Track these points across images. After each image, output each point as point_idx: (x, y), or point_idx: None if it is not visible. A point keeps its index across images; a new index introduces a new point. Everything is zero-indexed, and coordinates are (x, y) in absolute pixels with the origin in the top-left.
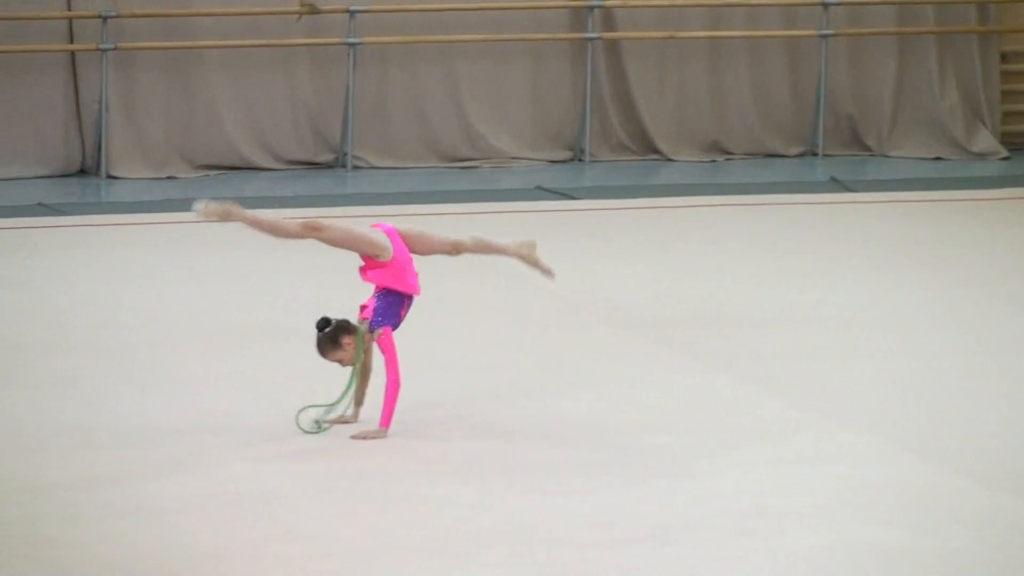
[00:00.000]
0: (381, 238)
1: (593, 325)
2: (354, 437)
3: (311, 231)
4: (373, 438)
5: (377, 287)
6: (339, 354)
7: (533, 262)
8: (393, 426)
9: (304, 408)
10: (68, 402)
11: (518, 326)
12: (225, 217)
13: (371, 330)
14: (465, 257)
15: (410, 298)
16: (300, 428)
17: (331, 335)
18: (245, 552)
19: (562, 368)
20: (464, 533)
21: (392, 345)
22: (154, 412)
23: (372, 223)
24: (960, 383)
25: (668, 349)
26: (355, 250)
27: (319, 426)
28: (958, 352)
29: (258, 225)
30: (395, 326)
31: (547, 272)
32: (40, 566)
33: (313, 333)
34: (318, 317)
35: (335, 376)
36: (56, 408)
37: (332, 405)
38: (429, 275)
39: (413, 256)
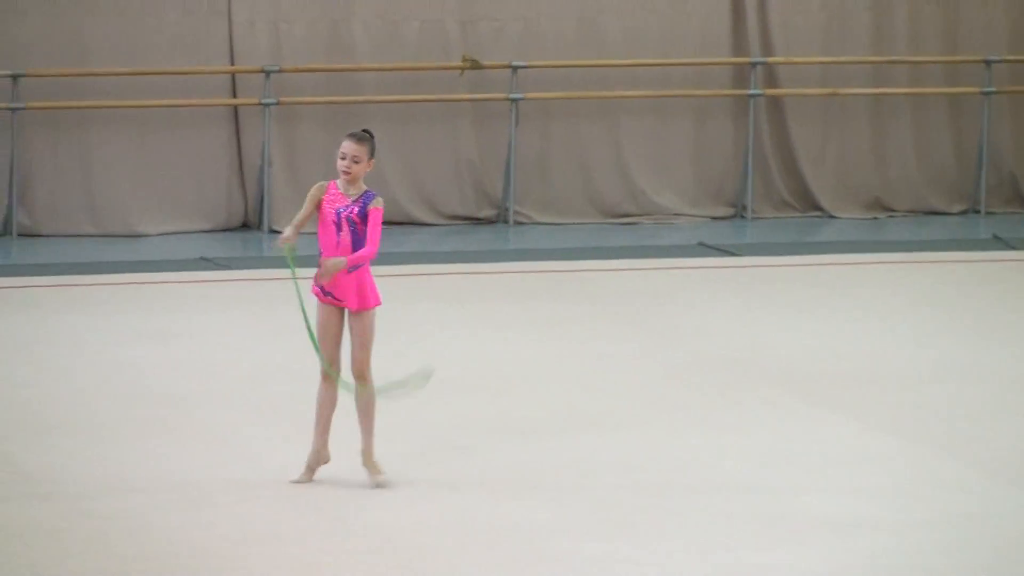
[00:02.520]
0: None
1: (753, 382)
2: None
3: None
4: (331, 269)
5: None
6: (361, 155)
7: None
8: (543, 478)
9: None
10: (229, 456)
11: (676, 382)
12: None
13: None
14: (629, 318)
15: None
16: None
17: (369, 139)
18: None
19: (721, 426)
20: None
21: (379, 222)
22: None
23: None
24: None
25: (828, 406)
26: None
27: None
28: None
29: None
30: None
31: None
32: None
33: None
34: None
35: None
36: (218, 462)
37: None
38: (587, 334)
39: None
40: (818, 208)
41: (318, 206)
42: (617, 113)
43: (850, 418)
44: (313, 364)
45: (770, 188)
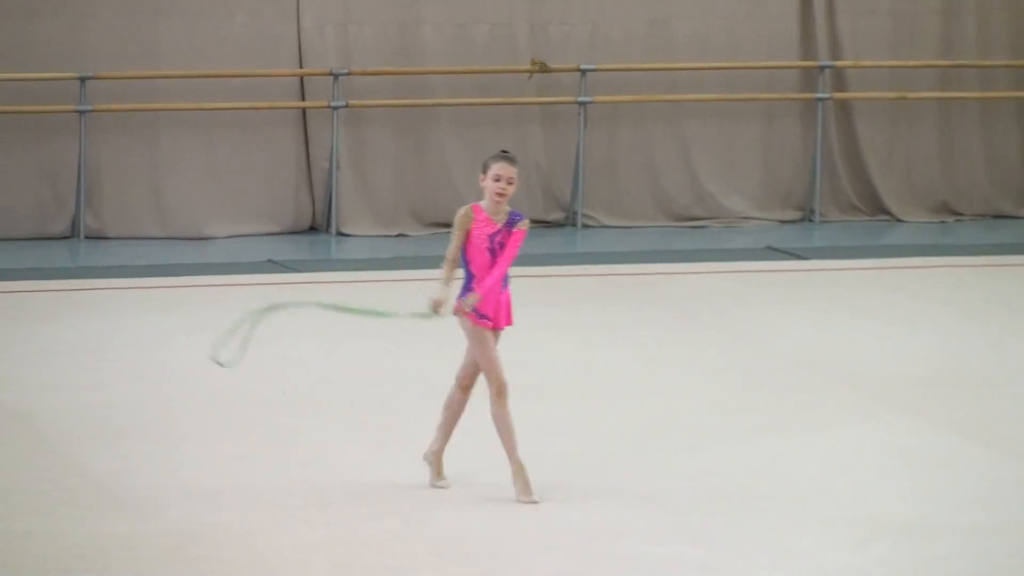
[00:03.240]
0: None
1: (823, 385)
2: (456, 311)
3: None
4: (471, 305)
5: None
6: (515, 177)
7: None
8: (616, 483)
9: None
10: (296, 459)
11: (749, 386)
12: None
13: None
14: (698, 322)
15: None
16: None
17: (517, 160)
18: None
19: (791, 428)
20: None
21: (519, 244)
22: (383, 469)
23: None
24: None
25: (898, 409)
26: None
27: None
28: None
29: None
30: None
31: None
32: None
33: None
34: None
35: (564, 439)
36: (286, 466)
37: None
38: (657, 338)
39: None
40: (886, 211)
41: (467, 233)
42: (684, 116)
43: (924, 422)
44: (384, 366)
45: (838, 191)
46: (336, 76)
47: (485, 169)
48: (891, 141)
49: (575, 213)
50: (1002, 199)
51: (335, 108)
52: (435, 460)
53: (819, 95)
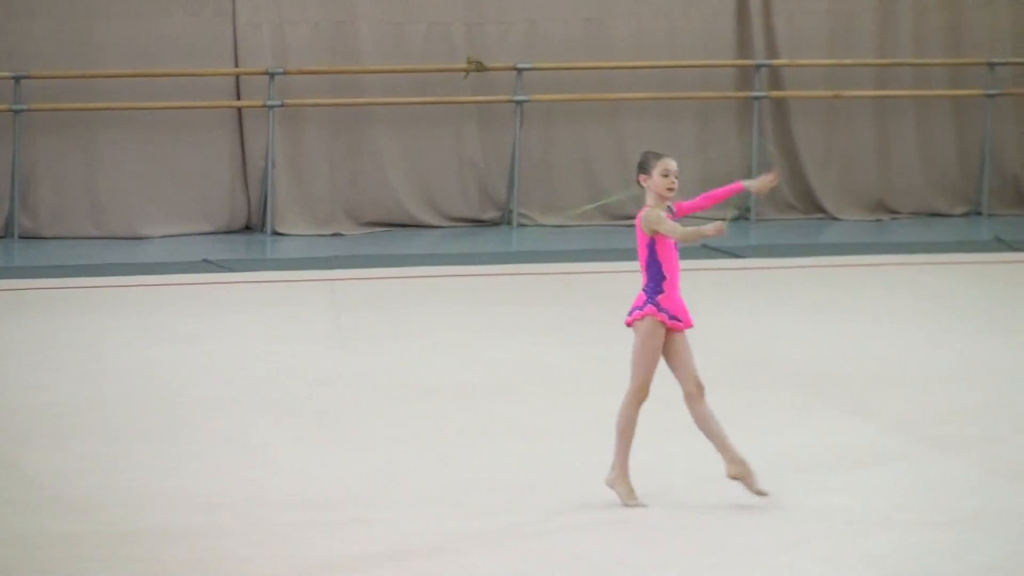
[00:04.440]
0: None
1: (762, 383)
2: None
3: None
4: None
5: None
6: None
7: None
8: (560, 482)
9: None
10: (236, 459)
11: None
12: None
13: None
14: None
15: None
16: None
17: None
18: None
19: (731, 426)
20: None
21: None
22: (327, 470)
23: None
24: None
25: (836, 407)
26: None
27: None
28: None
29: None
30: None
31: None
32: None
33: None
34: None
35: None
36: (227, 465)
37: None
38: (595, 337)
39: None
40: (821, 210)
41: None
42: (621, 115)
43: (862, 419)
44: (323, 366)
45: (774, 190)
46: (272, 75)
47: (644, 169)
48: (827, 140)
49: (511, 212)
50: (937, 197)
51: (271, 107)
52: (744, 469)
53: (755, 94)
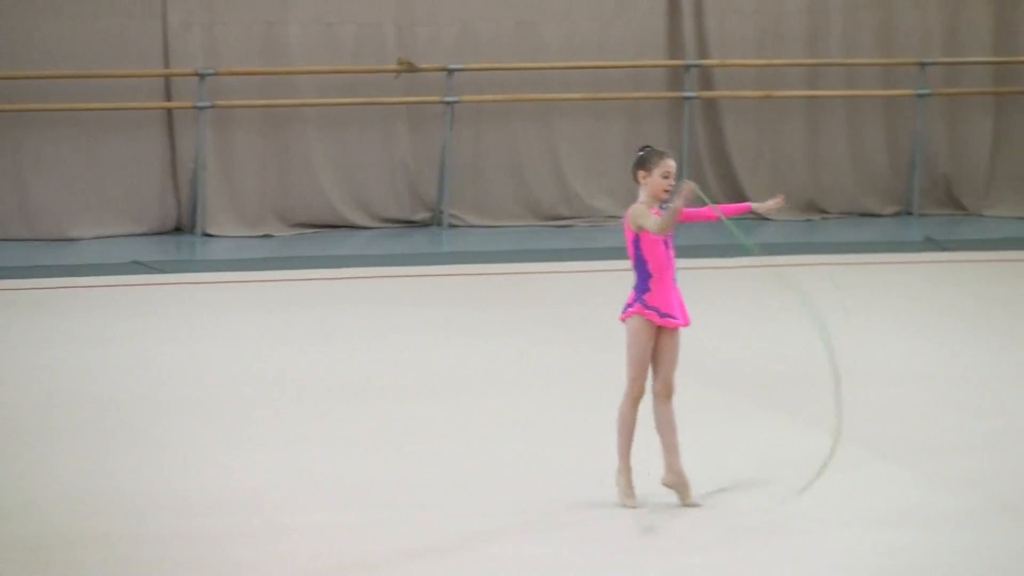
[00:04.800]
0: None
1: (689, 383)
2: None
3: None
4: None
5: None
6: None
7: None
8: (485, 482)
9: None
10: (164, 461)
11: (611, 386)
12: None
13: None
14: (565, 321)
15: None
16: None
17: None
18: None
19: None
20: None
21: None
22: (247, 471)
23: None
24: None
25: (764, 407)
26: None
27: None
28: None
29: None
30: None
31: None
32: None
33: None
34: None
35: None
36: (152, 468)
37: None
38: (525, 337)
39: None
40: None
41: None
42: (552, 116)
43: (789, 420)
44: (254, 368)
45: (704, 190)
46: (202, 76)
47: (645, 165)
48: (758, 140)
49: (441, 213)
50: (868, 197)
51: (201, 108)
52: (680, 480)
53: (686, 94)
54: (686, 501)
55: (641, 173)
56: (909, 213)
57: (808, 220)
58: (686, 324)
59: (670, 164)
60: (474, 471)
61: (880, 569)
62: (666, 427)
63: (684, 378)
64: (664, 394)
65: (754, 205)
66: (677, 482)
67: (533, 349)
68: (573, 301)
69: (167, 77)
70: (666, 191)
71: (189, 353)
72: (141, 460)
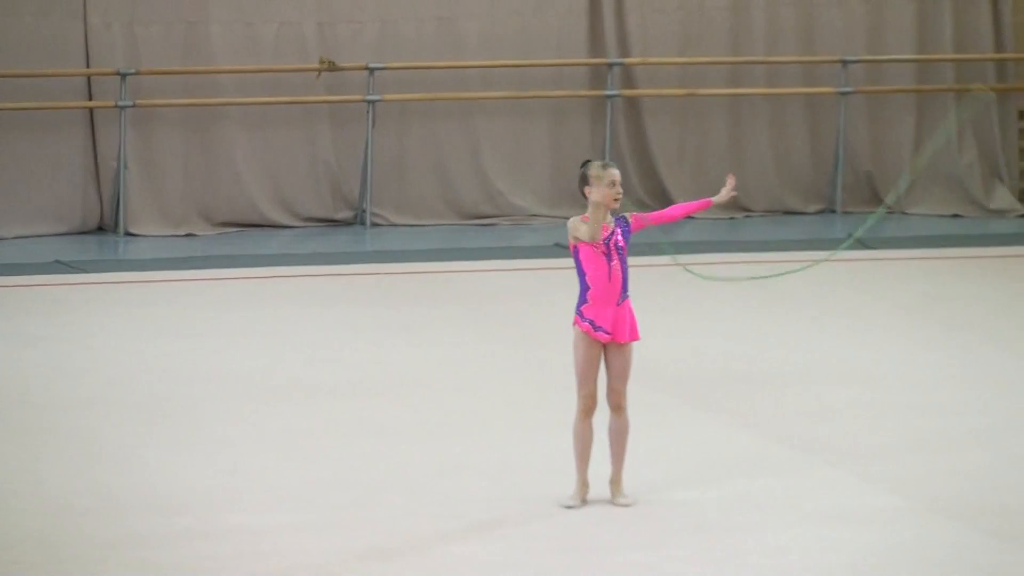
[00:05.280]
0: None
1: None
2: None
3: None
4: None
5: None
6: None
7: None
8: (410, 481)
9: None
10: (90, 461)
11: (541, 382)
12: None
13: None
14: (490, 320)
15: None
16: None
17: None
18: None
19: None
20: None
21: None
22: (178, 471)
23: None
24: (984, 441)
25: (691, 406)
26: (594, 375)
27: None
28: (981, 410)
29: None
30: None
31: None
32: None
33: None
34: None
35: (358, 437)
36: (78, 467)
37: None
38: (449, 336)
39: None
40: None
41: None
42: (474, 114)
43: (724, 419)
44: (178, 367)
45: (627, 188)
46: (123, 76)
47: (588, 181)
48: (680, 138)
49: (364, 212)
50: (791, 195)
51: (122, 108)
52: (613, 488)
53: (608, 92)
54: (616, 501)
55: (586, 189)
56: (833, 211)
57: (731, 219)
58: (620, 340)
59: (614, 174)
60: (408, 471)
61: (816, 566)
62: (612, 436)
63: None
64: (612, 405)
65: (715, 199)
66: (612, 489)
67: (458, 348)
68: (497, 300)
69: (88, 76)
70: (616, 199)
71: (112, 353)
72: (67, 460)
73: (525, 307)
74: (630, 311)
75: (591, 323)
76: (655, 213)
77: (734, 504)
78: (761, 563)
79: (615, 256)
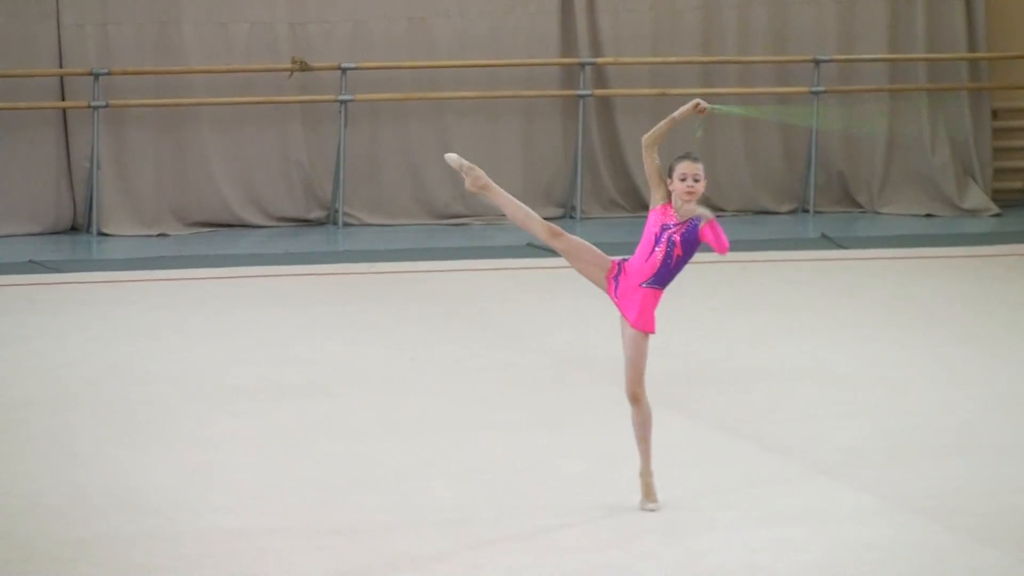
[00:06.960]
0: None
1: (586, 382)
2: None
3: (553, 237)
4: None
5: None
6: (702, 174)
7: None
8: (380, 482)
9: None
10: (61, 460)
11: (510, 382)
12: (475, 184)
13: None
14: (462, 320)
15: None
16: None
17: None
18: None
19: (556, 424)
20: None
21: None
22: (149, 472)
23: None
24: (954, 440)
25: (660, 406)
26: (587, 261)
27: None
28: (951, 409)
29: (508, 207)
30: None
31: None
32: None
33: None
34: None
35: (329, 438)
36: (49, 467)
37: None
38: (421, 335)
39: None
40: (646, 208)
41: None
42: (446, 114)
43: (687, 418)
44: (151, 367)
45: (599, 188)
46: (96, 76)
47: (670, 172)
48: None
49: (336, 211)
50: (763, 195)
51: (95, 108)
52: (642, 481)
53: (580, 92)
54: (644, 506)
55: (668, 182)
56: (805, 211)
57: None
58: (622, 310)
59: (685, 167)
60: (378, 471)
61: (786, 566)
62: (634, 430)
63: (577, 375)
64: (628, 396)
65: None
66: (640, 483)
67: (429, 348)
68: (469, 300)
69: (61, 77)
70: (688, 192)
71: (86, 353)
72: (38, 459)
73: (497, 307)
74: (648, 300)
75: (618, 273)
76: (712, 238)
77: (704, 504)
78: (731, 563)
79: (663, 246)
